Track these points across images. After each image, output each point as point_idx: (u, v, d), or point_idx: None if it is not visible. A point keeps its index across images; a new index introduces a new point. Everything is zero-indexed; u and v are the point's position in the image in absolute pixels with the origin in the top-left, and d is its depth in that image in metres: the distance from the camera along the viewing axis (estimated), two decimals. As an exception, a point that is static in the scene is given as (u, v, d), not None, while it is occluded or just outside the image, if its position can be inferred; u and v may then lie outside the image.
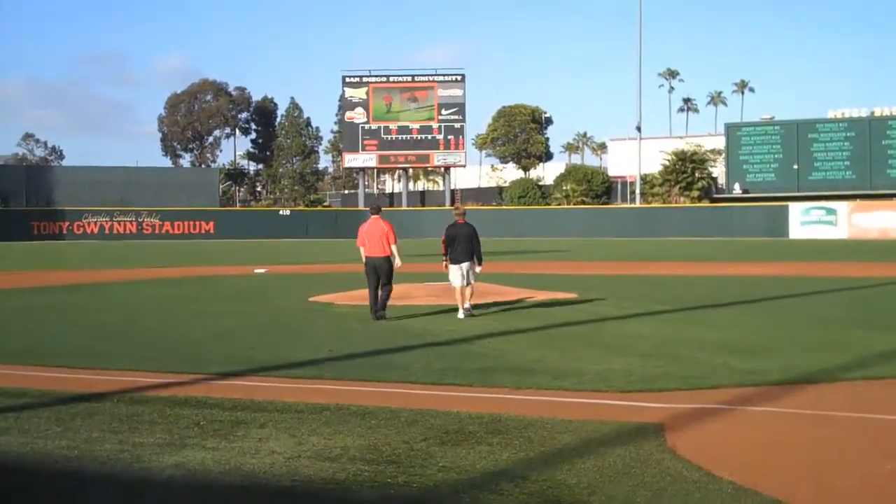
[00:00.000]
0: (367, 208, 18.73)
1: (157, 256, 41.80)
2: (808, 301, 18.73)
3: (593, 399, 8.67)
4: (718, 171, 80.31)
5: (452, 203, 79.68)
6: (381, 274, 15.29)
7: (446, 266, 15.85)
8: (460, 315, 15.48)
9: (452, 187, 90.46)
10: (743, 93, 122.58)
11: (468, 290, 15.74)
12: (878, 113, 73.11)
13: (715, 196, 77.08)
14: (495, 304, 17.48)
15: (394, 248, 15.40)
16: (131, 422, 7.75)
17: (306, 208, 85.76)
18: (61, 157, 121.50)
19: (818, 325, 14.24)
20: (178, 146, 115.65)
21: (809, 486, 5.99)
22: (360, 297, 17.24)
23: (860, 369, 10.09)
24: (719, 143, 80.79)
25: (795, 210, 63.57)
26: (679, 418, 7.76)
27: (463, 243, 15.60)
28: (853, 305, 17.62)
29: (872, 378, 9.62)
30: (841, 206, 62.91)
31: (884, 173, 71.22)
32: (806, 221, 62.68)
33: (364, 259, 15.60)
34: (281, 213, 76.06)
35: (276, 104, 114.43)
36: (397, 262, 15.51)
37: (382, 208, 16.68)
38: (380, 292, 15.39)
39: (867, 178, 71.37)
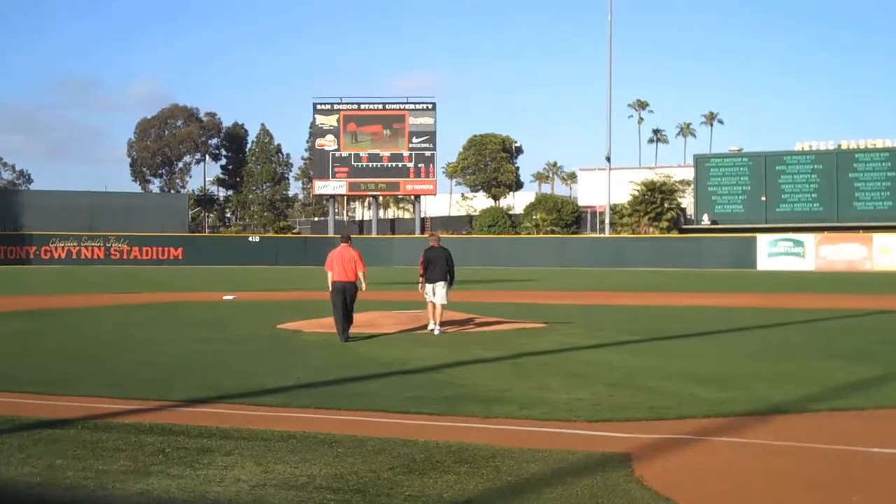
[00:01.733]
0: (338, 236, 19.29)
1: (125, 282, 41.47)
2: (775, 332, 18.86)
3: (561, 429, 8.67)
4: (687, 201, 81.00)
5: (423, 231, 79.77)
6: (348, 297, 16.26)
7: (422, 285, 17.39)
8: (431, 327, 17.37)
9: (423, 215, 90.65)
10: (712, 125, 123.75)
11: (439, 310, 17.22)
12: (844, 146, 74.02)
13: (683, 227, 77.62)
14: (465, 322, 17.57)
15: (361, 274, 16.39)
16: (95, 449, 7.66)
17: (276, 235, 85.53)
18: (29, 181, 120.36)
19: (785, 356, 14.34)
20: (148, 171, 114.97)
21: (775, 516, 6.01)
22: (328, 324, 17.21)
23: (826, 400, 10.17)
24: (688, 174, 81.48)
25: (763, 242, 64.16)
26: (646, 448, 7.77)
27: (438, 265, 17.39)
28: (819, 337, 17.75)
29: (838, 409, 9.70)
30: (808, 238, 63.57)
31: (850, 206, 71.98)
32: (773, 253, 63.26)
33: (331, 284, 16.44)
34: (250, 239, 75.79)
35: (246, 130, 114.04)
36: (363, 286, 16.52)
37: (352, 236, 17.76)
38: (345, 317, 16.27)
39: (834, 210, 72.16)
